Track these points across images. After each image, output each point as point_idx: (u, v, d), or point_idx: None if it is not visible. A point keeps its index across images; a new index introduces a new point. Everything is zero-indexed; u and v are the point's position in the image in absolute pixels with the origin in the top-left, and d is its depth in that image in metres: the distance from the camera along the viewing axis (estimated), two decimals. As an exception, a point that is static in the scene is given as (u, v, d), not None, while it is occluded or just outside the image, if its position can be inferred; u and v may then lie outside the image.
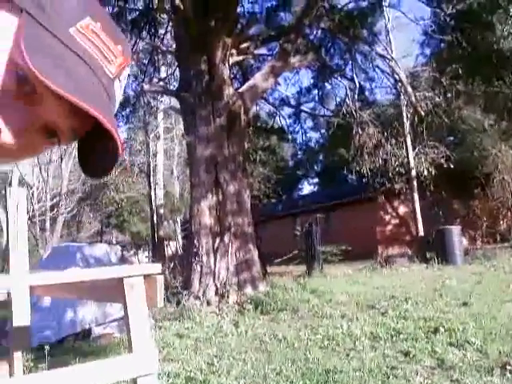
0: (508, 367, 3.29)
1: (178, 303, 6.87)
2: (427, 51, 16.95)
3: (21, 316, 3.08)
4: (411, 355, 3.84)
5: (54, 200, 20.87)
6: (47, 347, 3.80)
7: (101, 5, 0.54)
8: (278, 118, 15.85)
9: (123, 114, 13.80)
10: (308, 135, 29.59)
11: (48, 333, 5.22)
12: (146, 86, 10.61)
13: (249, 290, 7.51)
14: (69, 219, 24.73)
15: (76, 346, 5.11)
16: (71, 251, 6.63)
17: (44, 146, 0.54)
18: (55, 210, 20.28)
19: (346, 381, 3.34)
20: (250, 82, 9.14)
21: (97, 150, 0.52)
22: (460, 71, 11.90)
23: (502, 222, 16.77)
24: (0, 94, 0.45)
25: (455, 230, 12.03)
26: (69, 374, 2.40)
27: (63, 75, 0.44)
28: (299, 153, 30.08)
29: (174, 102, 12.87)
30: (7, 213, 3.17)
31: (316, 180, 36.93)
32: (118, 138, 0.47)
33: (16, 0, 0.46)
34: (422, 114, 13.22)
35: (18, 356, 3.05)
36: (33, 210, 18.98)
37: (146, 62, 11.86)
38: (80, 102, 0.43)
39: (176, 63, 10.52)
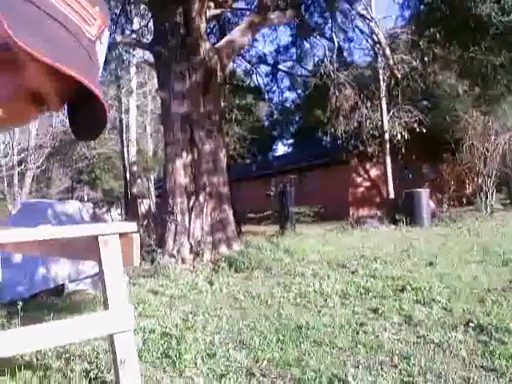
0: (471, 324, 3.48)
1: (153, 261, 6.90)
2: (406, 14, 16.74)
3: (-8, 273, 3.02)
4: (380, 312, 4.01)
5: (22, 155, 20.16)
6: (20, 303, 3.76)
7: None
8: (254, 76, 15.57)
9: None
10: (284, 95, 29.34)
11: (20, 289, 5.16)
12: (118, 38, 10.13)
13: (223, 249, 7.60)
14: (38, 175, 24.05)
15: (49, 302, 5.09)
16: (42, 208, 6.47)
17: (34, 114, 0.54)
18: (23, 165, 19.65)
19: (318, 336, 3.46)
20: (228, 38, 8.87)
21: (85, 113, 0.52)
22: (438, 35, 11.85)
23: (468, 187, 17.34)
24: None
25: (424, 193, 12.37)
26: (46, 330, 2.39)
27: (42, 41, 0.43)
28: (275, 113, 29.80)
29: (148, 56, 12.41)
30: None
31: (291, 141, 36.91)
32: (103, 99, 0.48)
33: None
34: (399, 77, 13.21)
35: (-10, 312, 3.02)
36: (-1, 165, 18.33)
37: (117, 12, 11.26)
38: (61, 66, 0.43)
39: (150, 14, 10.06)
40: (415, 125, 14.51)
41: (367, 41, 14.10)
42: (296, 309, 4.36)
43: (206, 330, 3.78)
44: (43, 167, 22.63)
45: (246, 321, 4.01)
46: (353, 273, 5.85)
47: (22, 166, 19.61)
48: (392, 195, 14.96)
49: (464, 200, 16.69)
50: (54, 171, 28.27)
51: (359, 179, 19.20)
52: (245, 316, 4.19)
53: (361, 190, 19.06)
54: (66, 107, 0.55)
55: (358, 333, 3.50)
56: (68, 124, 0.56)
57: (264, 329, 3.74)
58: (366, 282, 5.22)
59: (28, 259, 5.27)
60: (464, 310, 3.89)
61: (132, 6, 11.79)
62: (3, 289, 4.64)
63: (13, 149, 19.15)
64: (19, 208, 8.25)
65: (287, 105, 25.56)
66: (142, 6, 11.58)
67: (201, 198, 7.67)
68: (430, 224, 11.70)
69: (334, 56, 12.92)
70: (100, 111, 0.49)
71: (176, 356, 3.12)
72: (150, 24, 10.56)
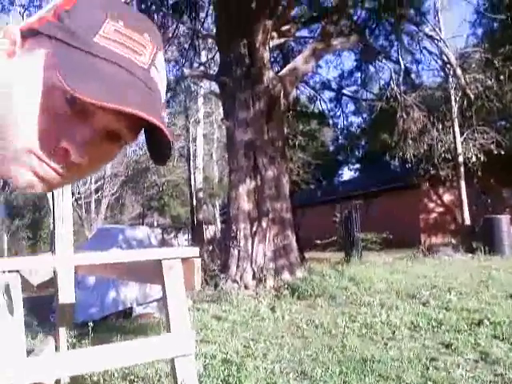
0: (559, 365, 3.12)
1: (216, 286, 6.97)
2: (479, 31, 16.12)
3: (66, 294, 3.21)
4: (453, 347, 3.72)
5: (99, 183, 21.58)
6: (91, 324, 3.95)
7: None
8: (318, 101, 15.59)
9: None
10: (349, 119, 28.96)
11: (92, 310, 5.44)
12: (187, 71, 10.67)
13: (286, 275, 7.51)
14: (112, 202, 25.56)
15: (118, 324, 5.29)
16: (114, 233, 6.84)
17: (115, 151, 0.57)
18: (99, 192, 21.00)
19: (384, 370, 3.27)
20: (291, 65, 9.00)
21: (155, 139, 0.53)
22: (514, 52, 11.24)
23: (554, 212, 15.86)
24: (58, 119, 0.49)
25: (504, 219, 11.51)
26: (110, 351, 2.48)
27: (97, 86, 0.46)
28: (340, 138, 29.51)
29: (214, 87, 12.91)
30: (53, 195, 3.29)
31: (357, 166, 36.21)
32: (163, 125, 0.49)
33: (45, 31, 0.50)
34: (472, 97, 12.62)
35: (63, 332, 3.19)
36: (78, 193, 19.72)
37: (186, 46, 11.91)
38: (119, 107, 0.45)
39: (216, 47, 10.50)
40: (492, 146, 13.66)
41: (436, 61, 13.70)
42: (361, 340, 4.16)
43: (267, 358, 3.71)
44: (117, 194, 24.02)
45: (308, 350, 3.89)
46: (424, 304, 5.50)
47: (99, 194, 20.95)
48: (468, 222, 14.07)
49: (550, 227, 15.25)
50: (127, 198, 29.90)
51: (431, 204, 18.30)
52: (307, 345, 4.07)
53: (433, 216, 18.13)
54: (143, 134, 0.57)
55: (428, 368, 3.26)
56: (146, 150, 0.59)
57: (326, 360, 3.60)
58: (439, 313, 4.88)
59: (100, 282, 5.55)
60: (551, 349, 3.50)
61: (200, 41, 12.41)
62: (76, 310, 4.90)
63: (90, 178, 20.60)
64: (94, 233, 8.77)
65: (352, 129, 25.21)
66: (210, 40, 12.15)
67: (263, 224, 7.70)
68: (512, 253, 10.80)
69: (401, 78, 12.64)
70: (164, 138, 0.51)
71: (236, 383, 3.09)
72: (217, 56, 11.02)
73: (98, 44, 0.49)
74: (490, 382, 2.96)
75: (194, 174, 19.53)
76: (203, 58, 13.66)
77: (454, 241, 13.94)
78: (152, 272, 2.92)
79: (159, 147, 0.54)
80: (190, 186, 19.98)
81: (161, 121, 0.49)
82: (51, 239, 3.54)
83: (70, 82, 0.45)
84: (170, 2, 10.47)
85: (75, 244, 3.38)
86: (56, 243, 3.28)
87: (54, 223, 3.32)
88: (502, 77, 12.02)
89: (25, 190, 0.53)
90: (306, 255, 10.14)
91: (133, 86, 0.50)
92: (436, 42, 12.63)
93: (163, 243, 7.80)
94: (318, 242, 11.63)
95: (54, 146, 0.50)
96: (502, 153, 13.27)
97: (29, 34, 0.52)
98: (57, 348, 3.17)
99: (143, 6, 10.22)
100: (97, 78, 0.47)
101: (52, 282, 3.20)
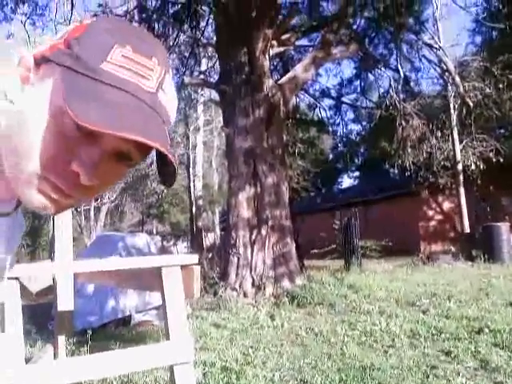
0: (559, 373, 3.11)
1: (215, 294, 6.95)
2: (478, 40, 16.24)
3: (65, 302, 3.21)
4: (453, 355, 3.71)
5: (99, 190, 21.48)
6: (89, 332, 3.94)
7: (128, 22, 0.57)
8: (318, 109, 15.65)
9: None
10: (349, 127, 28.99)
11: (91, 318, 5.42)
12: (187, 79, 10.72)
13: (286, 283, 7.49)
14: (112, 209, 25.53)
15: (116, 332, 5.27)
16: (114, 240, 6.83)
17: (124, 171, 0.58)
18: (99, 199, 20.98)
19: (384, 378, 3.26)
20: (291, 74, 9.05)
21: (163, 161, 0.54)
22: (512, 60, 11.31)
23: (554, 220, 15.86)
24: (68, 142, 0.51)
25: (503, 226, 11.50)
26: (109, 358, 2.47)
27: (101, 112, 0.47)
28: (339, 145, 29.57)
29: (214, 95, 12.97)
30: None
31: (356, 173, 36.24)
32: (166, 150, 0.50)
33: (55, 59, 0.52)
34: (471, 105, 12.68)
35: (61, 339, 3.18)
36: (78, 200, 19.70)
37: (186, 54, 11.97)
38: (123, 134, 0.47)
39: (216, 55, 10.57)
40: (491, 154, 13.70)
41: (435, 70, 13.79)
42: (360, 348, 4.15)
43: (266, 366, 3.70)
44: (116, 202, 24.00)
45: (308, 358, 3.87)
46: (423, 312, 5.49)
47: (98, 201, 20.94)
48: (467, 229, 14.06)
49: (550, 235, 15.23)
50: (127, 206, 29.87)
51: (430, 212, 18.30)
52: (306, 353, 4.06)
53: (432, 223, 18.13)
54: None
55: (428, 376, 3.25)
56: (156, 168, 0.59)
57: (326, 368, 3.59)
58: (438, 321, 4.87)
59: (99, 290, 5.54)
60: (551, 357, 3.49)
61: (200, 49, 12.48)
62: (75, 317, 4.88)
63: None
64: (94, 241, 8.76)
65: (352, 137, 25.26)
66: (210, 48, 12.22)
67: (263, 232, 7.69)
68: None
69: (400, 87, 12.70)
70: (168, 161, 0.52)
71: (235, 392, 3.07)
72: (217, 64, 11.08)
73: (105, 70, 0.51)
74: (490, 390, 2.95)
75: (194, 181, 19.55)
76: (203, 67, 13.73)
77: (453, 248, 13.91)
78: (151, 279, 2.92)
79: (167, 169, 0.55)
80: (190, 193, 19.99)
81: (165, 146, 0.50)
82: (50, 246, 3.55)
83: (74, 109, 0.46)
84: (171, 11, 10.55)
85: (74, 251, 3.38)
86: (55, 250, 3.28)
87: (53, 230, 3.33)
88: (500, 85, 12.09)
89: (39, 211, 0.55)
90: (306, 263, 10.12)
91: (138, 111, 0.51)
92: (435, 50, 12.72)
93: (163, 250, 7.79)
94: (317, 250, 11.62)
95: (64, 170, 0.52)
96: (501, 160, 13.31)
97: (41, 61, 0.54)
98: (55, 355, 3.16)
99: (144, 15, 10.29)
100: (101, 104, 0.48)
101: (51, 290, 3.20)
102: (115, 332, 5.26)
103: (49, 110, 0.51)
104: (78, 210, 19.24)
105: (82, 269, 2.66)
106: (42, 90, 0.52)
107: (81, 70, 0.50)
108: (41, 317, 5.34)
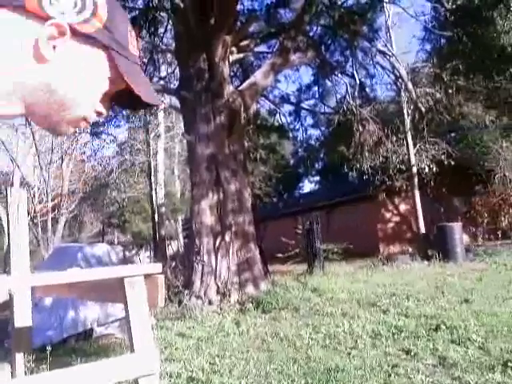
0: (510, 364, 3.28)
1: (180, 303, 6.87)
2: (427, 47, 16.93)
3: (22, 317, 3.08)
4: (413, 353, 3.84)
5: (56, 201, 20.85)
6: (49, 348, 3.80)
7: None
8: (278, 115, 15.83)
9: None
10: (308, 132, 29.59)
11: (50, 333, 5.22)
12: (146, 86, 10.57)
13: (250, 289, 7.51)
14: (70, 220, 24.70)
15: (78, 346, 5.11)
16: (72, 251, 6.62)
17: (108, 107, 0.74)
18: (56, 210, 20.27)
19: (348, 379, 3.33)
20: (251, 80, 9.13)
21: (131, 99, 0.69)
22: (461, 67, 11.86)
23: (503, 219, 16.70)
24: (104, 95, 0.68)
25: (456, 226, 12.00)
26: (70, 374, 2.40)
27: (148, 89, 0.69)
28: (300, 150, 30.00)
29: (175, 101, 12.86)
30: (8, 214, 3.17)
31: (317, 178, 36.87)
32: (139, 92, 0.66)
33: (103, 40, 0.63)
34: (423, 110, 13.19)
35: (19, 357, 3.05)
36: (34, 211, 18.95)
37: (145, 60, 11.83)
38: (132, 86, 0.65)
39: (176, 62, 10.50)
40: (443, 157, 14.29)
41: (389, 76, 14.25)
42: (325, 351, 4.22)
43: (233, 374, 3.70)
44: (75, 212, 23.26)
45: (274, 364, 3.90)
46: (384, 312, 5.65)
47: (56, 212, 20.23)
48: (423, 230, 14.58)
49: (499, 233, 16.05)
50: (86, 216, 28.99)
51: (388, 214, 18.83)
52: (272, 359, 4.09)
53: (390, 225, 18.65)
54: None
55: (390, 375, 3.35)
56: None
57: (292, 372, 3.63)
58: (398, 321, 5.03)
59: (58, 302, 5.35)
60: (502, 350, 3.68)
61: (159, 55, 12.36)
62: (34, 333, 4.70)
63: (47, 195, 19.85)
64: (51, 253, 8.46)
65: (311, 142, 25.73)
66: (169, 54, 12.13)
67: (227, 238, 7.69)
68: (465, 259, 11.27)
69: (356, 93, 13.06)
70: (141, 101, 0.67)
71: (202, 401, 3.05)
72: (177, 70, 11.01)
73: (130, 52, 0.67)
74: (448, 385, 3.08)
75: (156, 189, 19.24)
76: (163, 73, 13.60)
77: (410, 249, 14.38)
78: (114, 290, 2.86)
79: (140, 106, 0.71)
80: (152, 201, 19.65)
81: (139, 89, 0.66)
82: (5, 259, 3.41)
83: (134, 86, 0.64)
84: (129, 16, 10.41)
85: (31, 264, 3.26)
86: (11, 263, 3.15)
87: (8, 243, 3.20)
88: (450, 90, 12.64)
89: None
90: (270, 268, 10.18)
91: (138, 72, 0.69)
92: (388, 57, 13.16)
93: (125, 260, 7.62)
94: (281, 255, 11.71)
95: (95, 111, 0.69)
96: (453, 163, 13.91)
97: (79, 33, 0.61)
98: (13, 375, 3.03)
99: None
100: (140, 82, 0.67)
101: (7, 305, 3.07)
102: (76, 346, 5.09)
103: (107, 78, 0.65)
104: (35, 221, 18.49)
105: (39, 282, 2.56)
106: (95, 58, 0.63)
107: (123, 52, 0.65)
108: (-4, 334, 5.10)
